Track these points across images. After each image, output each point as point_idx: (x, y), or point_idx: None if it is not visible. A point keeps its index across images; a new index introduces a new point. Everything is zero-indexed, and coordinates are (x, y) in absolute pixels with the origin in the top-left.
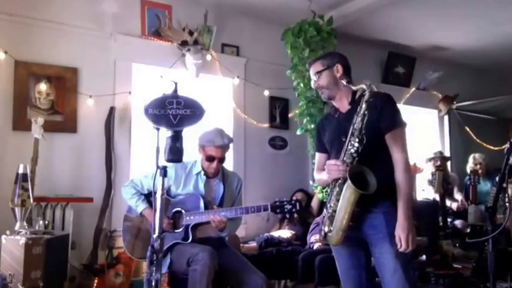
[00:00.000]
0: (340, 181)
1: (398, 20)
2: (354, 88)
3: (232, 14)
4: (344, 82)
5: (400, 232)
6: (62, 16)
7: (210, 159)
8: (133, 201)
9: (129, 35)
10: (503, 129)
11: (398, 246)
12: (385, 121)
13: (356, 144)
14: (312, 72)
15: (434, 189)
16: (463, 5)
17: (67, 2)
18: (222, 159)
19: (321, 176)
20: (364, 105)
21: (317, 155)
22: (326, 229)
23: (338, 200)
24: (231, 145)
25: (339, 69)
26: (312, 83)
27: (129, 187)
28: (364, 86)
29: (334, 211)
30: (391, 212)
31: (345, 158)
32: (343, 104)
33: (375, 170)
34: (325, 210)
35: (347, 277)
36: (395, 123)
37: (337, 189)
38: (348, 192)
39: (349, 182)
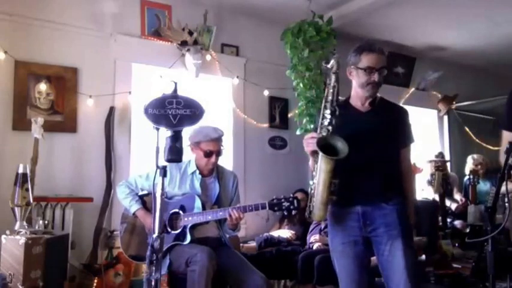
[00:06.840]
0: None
1: (397, 20)
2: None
3: (232, 14)
4: None
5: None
6: (62, 16)
7: (208, 154)
8: (127, 201)
9: (129, 35)
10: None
11: None
12: (405, 136)
13: (328, 116)
14: (381, 63)
15: (433, 189)
16: (462, 5)
17: (67, 2)
18: (219, 153)
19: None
20: (333, 78)
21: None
22: (309, 207)
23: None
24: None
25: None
26: (376, 76)
27: (124, 186)
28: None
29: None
30: (402, 209)
31: (321, 132)
32: (365, 104)
33: (387, 169)
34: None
35: (351, 280)
36: (412, 140)
37: (317, 164)
38: (323, 163)
39: (318, 150)
